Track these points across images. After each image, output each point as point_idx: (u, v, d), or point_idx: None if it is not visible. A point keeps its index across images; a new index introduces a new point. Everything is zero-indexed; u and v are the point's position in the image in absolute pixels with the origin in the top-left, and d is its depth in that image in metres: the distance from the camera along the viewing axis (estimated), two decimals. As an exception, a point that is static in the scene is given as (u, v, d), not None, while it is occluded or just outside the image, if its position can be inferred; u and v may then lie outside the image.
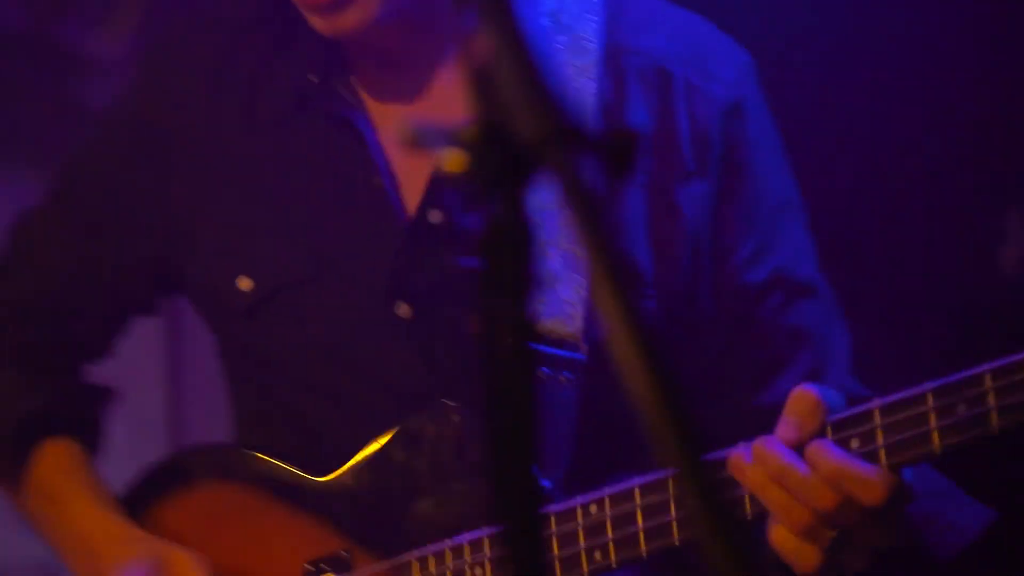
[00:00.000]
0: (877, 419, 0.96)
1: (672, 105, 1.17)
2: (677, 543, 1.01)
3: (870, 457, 0.95)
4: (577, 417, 1.12)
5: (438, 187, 1.15)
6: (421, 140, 0.58)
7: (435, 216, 1.15)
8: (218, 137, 1.20)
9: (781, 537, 0.98)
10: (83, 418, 1.30)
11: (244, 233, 1.18)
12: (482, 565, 1.07)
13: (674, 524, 0.98)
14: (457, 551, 1.08)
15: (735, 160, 1.20)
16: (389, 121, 1.17)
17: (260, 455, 1.17)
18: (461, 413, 1.11)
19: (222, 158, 1.20)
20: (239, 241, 1.18)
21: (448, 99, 1.15)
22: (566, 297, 1.09)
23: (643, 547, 1.02)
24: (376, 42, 1.17)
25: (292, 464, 1.15)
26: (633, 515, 1.00)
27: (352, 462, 1.11)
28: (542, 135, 0.49)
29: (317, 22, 1.10)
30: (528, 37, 0.55)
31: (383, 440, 1.11)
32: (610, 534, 1.03)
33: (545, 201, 0.48)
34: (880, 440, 0.95)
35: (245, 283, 1.15)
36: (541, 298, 0.97)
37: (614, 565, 1.04)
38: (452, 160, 0.51)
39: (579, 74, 1.10)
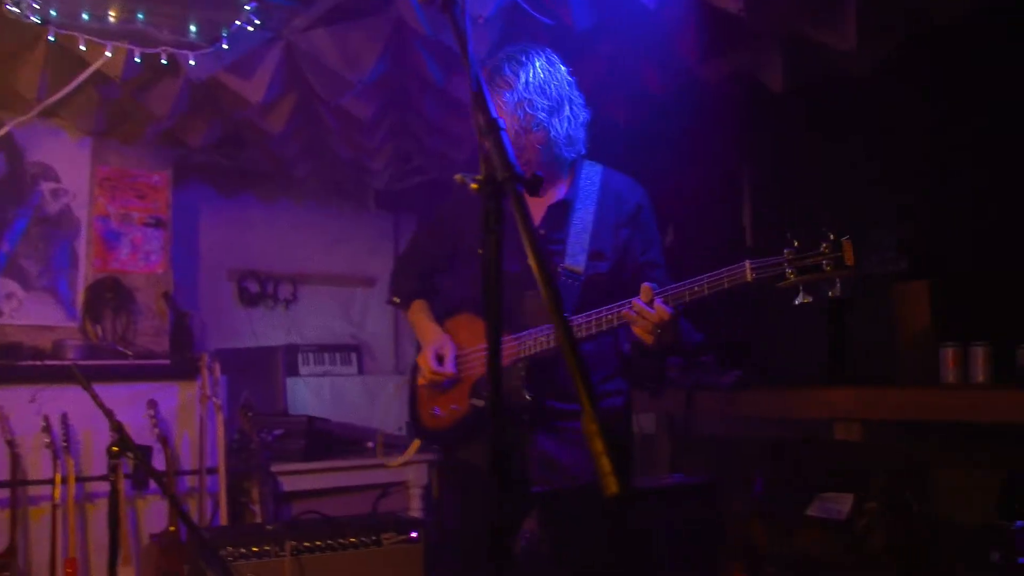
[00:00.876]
0: (672, 293, 2.43)
1: (620, 208, 2.82)
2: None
3: (669, 303, 2.42)
4: (577, 300, 2.66)
5: (541, 227, 2.73)
6: (464, 178, 1.48)
7: (541, 232, 2.71)
8: (469, 226, 2.80)
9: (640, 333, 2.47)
10: (429, 294, 3.05)
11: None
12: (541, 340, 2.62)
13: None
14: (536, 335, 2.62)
15: (640, 221, 2.83)
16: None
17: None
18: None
19: (472, 230, 2.75)
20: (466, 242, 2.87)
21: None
22: (574, 251, 2.68)
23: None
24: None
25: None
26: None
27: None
28: (505, 175, 1.38)
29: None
30: (503, 142, 1.44)
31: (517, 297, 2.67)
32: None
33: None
34: (671, 300, 2.43)
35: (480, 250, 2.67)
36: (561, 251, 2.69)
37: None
38: (474, 186, 1.41)
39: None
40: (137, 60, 3.95)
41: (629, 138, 4.65)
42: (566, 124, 2.68)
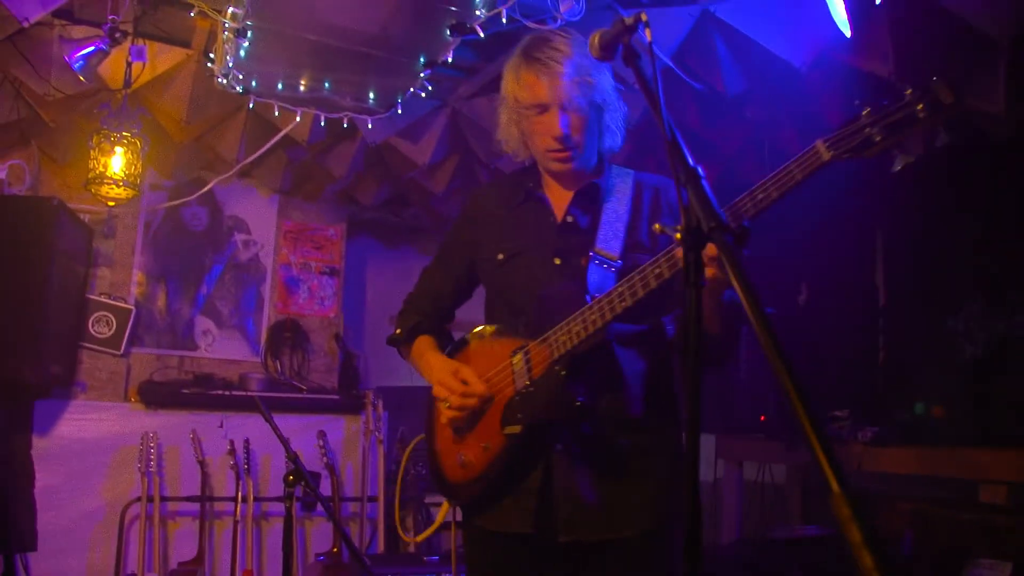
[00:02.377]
0: (730, 207, 1.72)
1: (659, 199, 2.20)
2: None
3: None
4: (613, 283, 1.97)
5: (568, 213, 2.15)
6: (664, 229, 1.29)
7: (568, 219, 2.15)
8: (494, 215, 2.28)
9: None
10: (440, 331, 2.39)
11: (500, 238, 2.21)
12: (577, 323, 1.94)
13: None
14: (566, 323, 1.94)
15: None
16: (554, 197, 2.20)
17: (500, 327, 2.18)
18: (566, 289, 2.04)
19: (496, 218, 2.27)
20: (498, 241, 2.21)
21: (562, 201, 2.19)
22: (607, 236, 2.08)
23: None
24: (569, 175, 2.18)
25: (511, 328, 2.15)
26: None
27: (532, 313, 2.07)
28: (711, 225, 1.18)
29: (553, 164, 2.12)
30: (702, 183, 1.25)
31: (538, 297, 2.08)
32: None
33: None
34: (732, 215, 1.71)
35: (500, 255, 2.18)
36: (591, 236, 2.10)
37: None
38: (677, 235, 1.22)
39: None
40: (322, 124, 3.96)
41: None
42: (616, 113, 2.14)
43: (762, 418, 4.69)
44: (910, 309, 4.67)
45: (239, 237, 5.62)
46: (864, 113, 1.60)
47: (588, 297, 1.94)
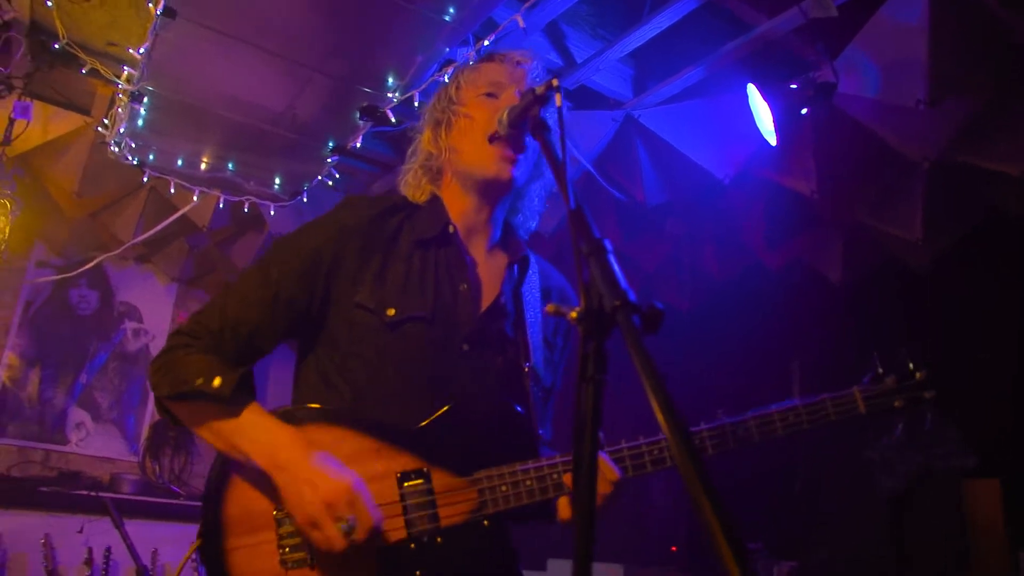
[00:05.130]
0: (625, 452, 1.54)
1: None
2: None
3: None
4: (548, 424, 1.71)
5: (499, 297, 1.67)
6: (557, 311, 1.04)
7: (501, 301, 1.67)
8: (379, 243, 1.64)
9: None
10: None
11: (392, 286, 1.60)
12: (531, 479, 1.50)
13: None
14: (512, 472, 1.49)
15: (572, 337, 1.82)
16: (476, 252, 1.70)
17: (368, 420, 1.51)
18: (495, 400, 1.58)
19: (381, 252, 1.63)
20: (389, 290, 1.59)
21: (487, 250, 1.73)
22: (535, 344, 1.68)
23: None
24: (500, 190, 1.69)
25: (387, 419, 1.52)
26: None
27: (432, 417, 1.53)
28: (615, 304, 0.94)
29: (494, 167, 1.62)
30: (610, 264, 1.02)
31: (451, 405, 1.54)
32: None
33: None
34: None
35: (390, 311, 1.57)
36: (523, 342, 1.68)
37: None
38: (573, 315, 0.97)
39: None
40: (220, 207, 3.68)
41: (692, 319, 4.22)
42: (545, 184, 1.81)
43: (673, 548, 4.41)
44: (827, 438, 4.52)
45: (129, 325, 5.19)
46: (888, 380, 1.71)
47: (543, 448, 1.61)
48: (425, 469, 1.50)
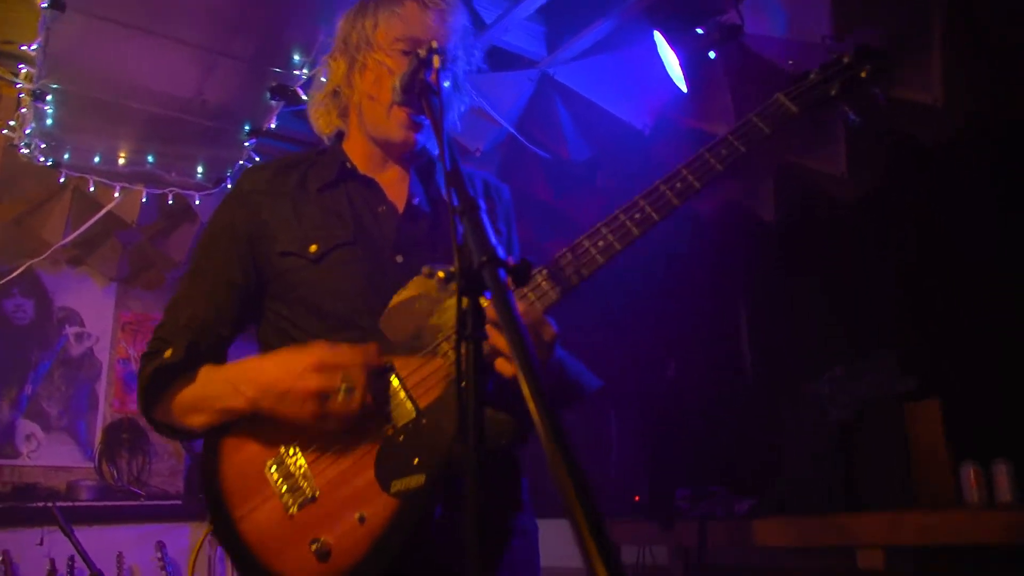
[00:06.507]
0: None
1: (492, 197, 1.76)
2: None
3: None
4: None
5: (411, 200, 1.66)
6: (432, 270, 1.05)
7: (414, 202, 1.65)
8: (290, 197, 1.64)
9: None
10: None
11: (307, 226, 1.60)
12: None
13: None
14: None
15: (512, 220, 1.81)
16: (382, 178, 1.68)
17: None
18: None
19: (294, 201, 1.63)
20: (305, 230, 1.59)
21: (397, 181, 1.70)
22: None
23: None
24: (404, 151, 1.69)
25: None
26: None
27: (382, 318, 1.49)
28: (482, 259, 0.95)
29: (400, 133, 1.62)
30: (480, 219, 1.03)
31: (401, 294, 1.48)
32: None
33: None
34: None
35: (312, 247, 1.57)
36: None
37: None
38: (440, 274, 0.98)
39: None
40: (143, 201, 3.61)
41: (619, 273, 4.25)
42: (462, 105, 1.78)
43: (636, 499, 4.48)
44: (775, 377, 4.61)
45: (70, 330, 5.10)
46: (812, 73, 1.60)
47: None
48: (388, 363, 1.47)
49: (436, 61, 1.43)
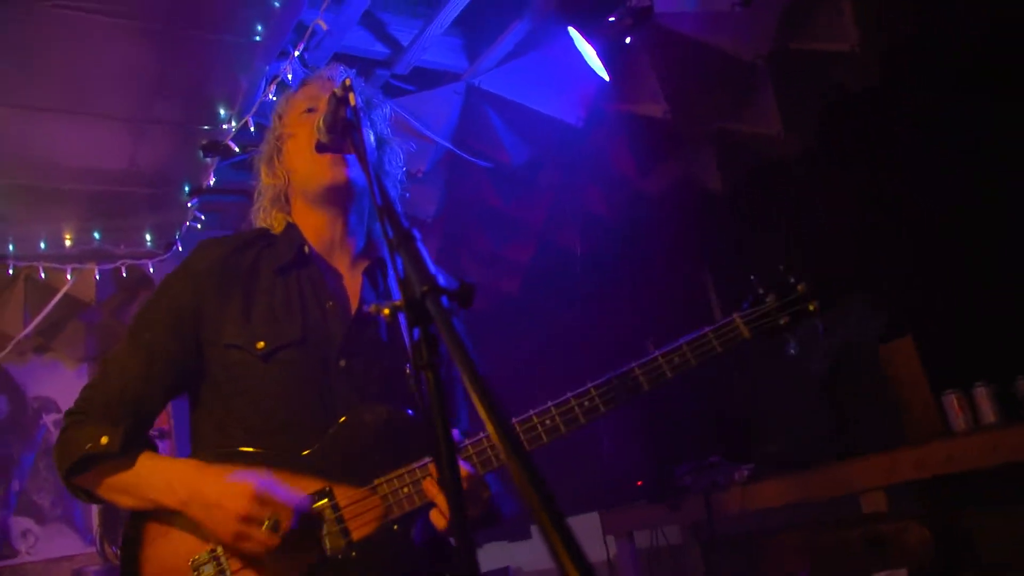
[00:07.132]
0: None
1: None
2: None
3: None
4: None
5: (362, 306, 1.65)
6: (378, 307, 1.06)
7: (366, 308, 1.64)
8: (237, 280, 1.65)
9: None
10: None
11: (258, 318, 1.61)
12: (429, 475, 1.51)
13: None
14: (410, 472, 1.51)
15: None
16: (337, 267, 1.71)
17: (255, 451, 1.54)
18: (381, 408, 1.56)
19: (241, 288, 1.64)
20: (255, 323, 1.60)
21: (351, 262, 1.72)
22: None
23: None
24: (340, 193, 1.68)
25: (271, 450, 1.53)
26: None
27: (325, 439, 1.53)
28: (424, 289, 0.96)
29: (329, 173, 1.63)
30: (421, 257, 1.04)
31: (340, 422, 1.54)
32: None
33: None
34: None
35: (261, 344, 1.58)
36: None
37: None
38: (386, 311, 0.99)
39: None
40: (97, 277, 3.59)
41: (587, 261, 4.29)
42: (395, 155, 1.84)
43: (639, 483, 4.51)
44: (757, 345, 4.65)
45: (48, 418, 5.02)
46: (769, 299, 1.74)
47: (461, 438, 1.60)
48: (327, 488, 1.52)
49: (352, 98, 1.43)
